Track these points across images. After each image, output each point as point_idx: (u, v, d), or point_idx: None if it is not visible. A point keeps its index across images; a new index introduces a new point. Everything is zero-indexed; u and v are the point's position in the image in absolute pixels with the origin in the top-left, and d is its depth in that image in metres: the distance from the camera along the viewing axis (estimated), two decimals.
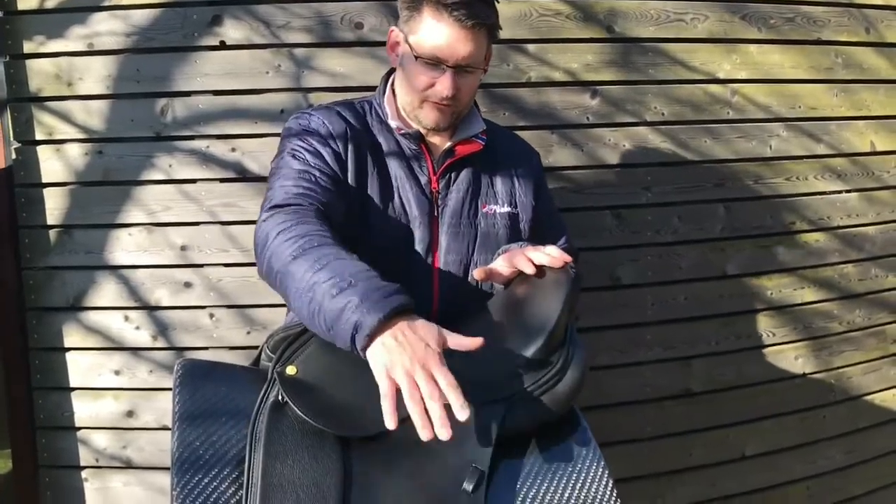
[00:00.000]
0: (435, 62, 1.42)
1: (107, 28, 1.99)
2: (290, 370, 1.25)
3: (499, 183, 1.58)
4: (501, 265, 1.44)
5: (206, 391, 1.28)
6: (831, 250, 2.37)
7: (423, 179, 1.52)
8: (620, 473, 2.17)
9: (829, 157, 2.33)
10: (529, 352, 1.27)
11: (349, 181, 1.47)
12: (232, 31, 2.00)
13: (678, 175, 2.21)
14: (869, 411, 2.48)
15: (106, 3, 1.98)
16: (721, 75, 2.19)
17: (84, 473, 2.16)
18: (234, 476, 1.17)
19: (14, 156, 2.06)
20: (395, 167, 1.51)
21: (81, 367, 2.12)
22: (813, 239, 2.34)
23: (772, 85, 2.24)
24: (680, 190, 2.21)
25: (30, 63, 2.02)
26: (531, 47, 2.08)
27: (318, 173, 1.42)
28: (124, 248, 2.06)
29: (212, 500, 1.15)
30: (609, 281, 2.19)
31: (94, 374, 2.12)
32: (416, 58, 1.43)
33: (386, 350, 1.12)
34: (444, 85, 1.43)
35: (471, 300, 1.49)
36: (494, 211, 1.56)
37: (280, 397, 1.21)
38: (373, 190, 1.49)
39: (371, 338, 1.13)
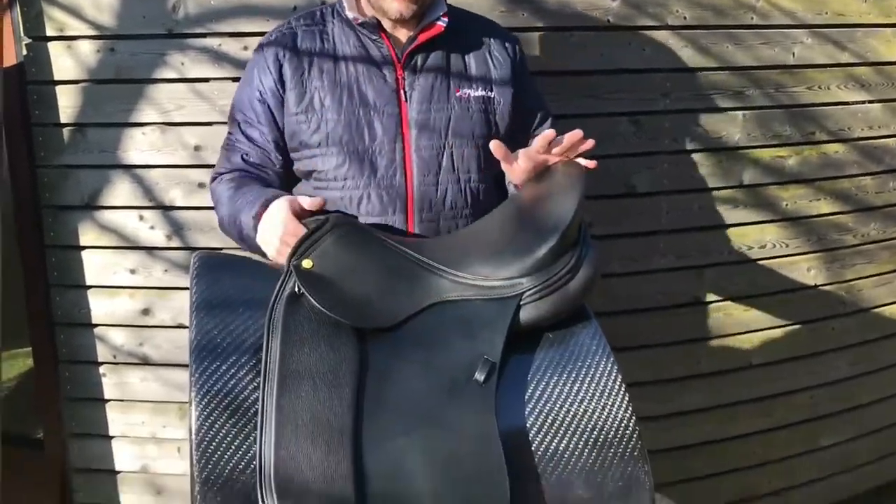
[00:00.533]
0: None
1: None
2: (306, 263, 1.27)
3: (472, 67, 1.59)
4: (522, 158, 1.45)
5: (223, 282, 1.30)
6: (850, 162, 2.34)
7: (387, 69, 1.55)
8: (628, 379, 2.18)
9: (854, 65, 2.29)
10: (543, 249, 1.29)
11: (292, 103, 1.55)
12: None
13: (698, 81, 2.17)
14: (878, 323, 2.50)
15: None
16: None
17: (102, 369, 2.21)
18: (251, 364, 1.19)
19: (25, 52, 2.03)
20: (351, 63, 1.55)
21: (97, 266, 2.15)
22: (832, 150, 2.32)
23: None
24: (699, 97, 2.17)
25: None
26: None
27: (256, 138, 1.58)
28: (138, 147, 2.06)
29: (229, 385, 1.18)
30: (624, 188, 2.18)
31: (110, 272, 2.14)
32: None
33: (259, 232, 1.40)
34: None
35: (449, 186, 1.55)
36: (468, 95, 1.57)
37: (297, 289, 1.24)
38: (324, 95, 1.53)
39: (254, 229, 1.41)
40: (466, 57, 1.60)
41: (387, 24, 1.55)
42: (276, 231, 1.37)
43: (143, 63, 2.01)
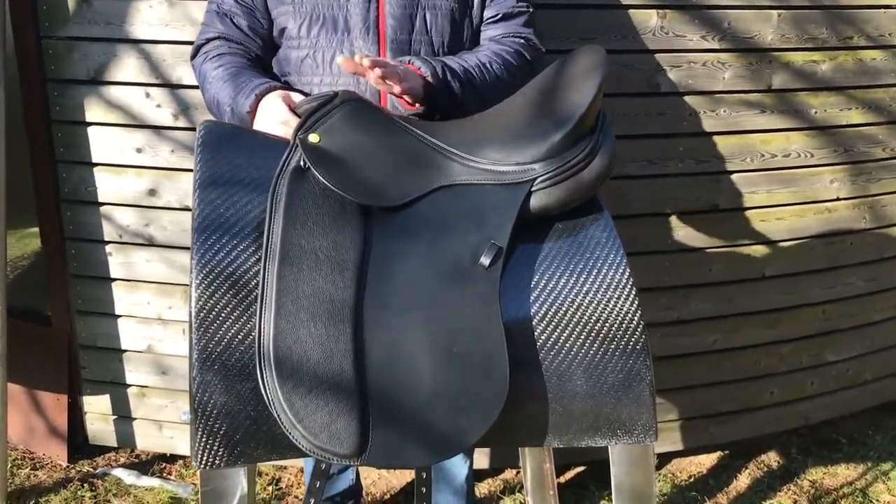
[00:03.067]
0: None
1: None
2: (313, 138, 1.26)
3: None
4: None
5: (229, 153, 1.28)
6: (887, 70, 2.27)
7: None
8: (637, 284, 2.20)
9: None
10: (558, 135, 1.26)
11: None
12: None
13: None
14: None
15: None
16: None
17: (108, 248, 2.23)
18: (253, 236, 1.19)
19: None
20: None
21: (103, 143, 2.14)
22: (869, 56, 2.24)
23: None
24: None
25: None
26: None
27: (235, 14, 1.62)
28: (145, 20, 2.01)
29: (230, 258, 1.17)
30: (646, 87, 2.12)
31: (117, 150, 2.13)
32: None
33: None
34: None
35: (423, 48, 1.58)
36: None
37: (302, 163, 1.23)
38: None
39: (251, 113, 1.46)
40: None
41: None
42: (276, 116, 1.41)
43: None
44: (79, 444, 2.48)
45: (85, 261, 2.25)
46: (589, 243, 1.28)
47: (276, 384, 1.07)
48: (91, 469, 2.42)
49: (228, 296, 1.14)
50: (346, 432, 1.07)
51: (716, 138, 2.20)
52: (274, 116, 1.41)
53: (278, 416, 1.07)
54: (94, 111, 2.10)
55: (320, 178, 1.21)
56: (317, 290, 1.12)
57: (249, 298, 1.15)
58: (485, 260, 1.18)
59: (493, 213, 1.23)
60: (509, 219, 1.22)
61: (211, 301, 1.14)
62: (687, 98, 2.15)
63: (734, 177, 2.25)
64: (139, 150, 2.12)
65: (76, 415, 2.45)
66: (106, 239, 2.22)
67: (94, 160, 2.15)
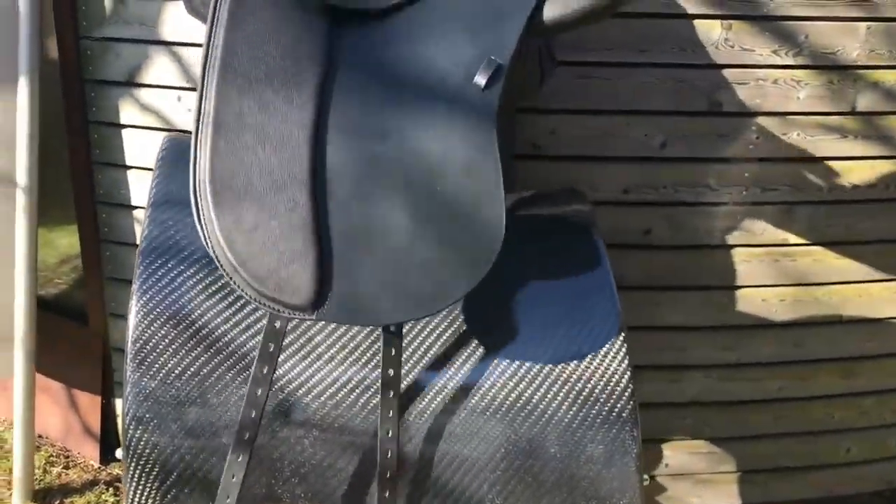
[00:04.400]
0: None
1: None
2: None
3: None
4: None
5: (186, 171, 1.19)
6: None
7: None
8: (685, 321, 2.03)
9: None
10: None
11: None
12: None
13: None
14: None
15: None
16: None
17: (139, 240, 2.20)
18: (202, 262, 1.09)
19: None
20: None
21: (137, 146, 2.12)
22: None
23: None
24: (812, 1, 1.86)
25: None
26: None
27: None
28: (177, 22, 1.98)
29: (174, 285, 1.09)
30: (707, 105, 1.93)
31: (149, 153, 2.10)
32: None
33: None
34: None
35: None
36: None
37: None
38: None
39: None
40: None
41: None
42: None
43: None
44: (111, 445, 2.49)
45: (119, 263, 2.25)
46: (578, 287, 1.12)
47: (213, 217, 0.90)
48: (120, 472, 2.42)
49: (167, 328, 1.06)
50: (299, 278, 0.88)
51: (787, 165, 1.98)
52: None
53: (216, 256, 0.89)
54: (128, 113, 2.09)
55: None
56: (265, 105, 0.93)
57: (190, 331, 1.06)
58: (480, 79, 0.97)
59: (494, 24, 1.01)
60: (514, 30, 1.00)
61: (148, 332, 1.06)
62: (754, 119, 1.94)
63: (808, 208, 2.01)
64: None
65: (109, 416, 2.46)
66: (138, 243, 2.19)
67: (128, 163, 2.14)
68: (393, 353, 1.00)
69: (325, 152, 0.93)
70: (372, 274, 0.90)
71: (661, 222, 2.00)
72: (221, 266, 0.89)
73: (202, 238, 0.91)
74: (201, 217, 0.91)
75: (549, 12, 1.02)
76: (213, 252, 0.90)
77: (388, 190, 0.93)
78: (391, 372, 0.98)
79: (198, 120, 0.95)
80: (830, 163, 1.98)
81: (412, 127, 0.96)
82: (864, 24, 1.89)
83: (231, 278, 0.89)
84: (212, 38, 0.96)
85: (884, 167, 2.00)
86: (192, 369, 1.03)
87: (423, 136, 0.95)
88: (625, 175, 1.97)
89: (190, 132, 1.98)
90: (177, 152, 1.20)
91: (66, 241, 2.81)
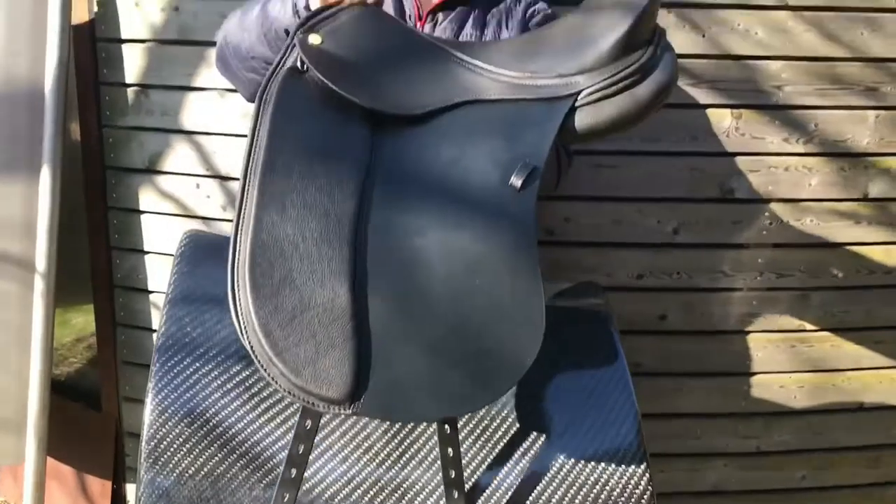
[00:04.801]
0: None
1: None
2: (314, 39, 1.09)
3: (485, 27, 1.51)
4: None
5: (209, 267, 1.20)
6: None
7: (409, 23, 1.49)
8: (702, 408, 2.00)
9: None
10: (607, 41, 1.08)
11: None
12: None
13: (821, 73, 1.89)
14: None
15: None
16: None
17: (155, 336, 2.20)
18: (219, 359, 1.10)
19: (96, 9, 2.04)
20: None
21: (155, 231, 2.15)
22: None
23: None
24: (822, 92, 1.89)
25: None
26: None
27: None
28: (197, 112, 2.03)
29: (190, 382, 1.10)
30: (719, 192, 1.94)
31: (166, 239, 2.14)
32: None
33: None
34: None
35: None
36: None
37: (299, 63, 1.07)
38: None
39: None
40: (483, 16, 1.53)
41: None
42: None
43: (205, 25, 1.96)
44: None
45: (134, 347, 2.25)
46: (595, 385, 1.11)
47: (250, 306, 0.88)
48: None
49: (182, 426, 1.06)
50: (336, 370, 0.86)
51: (801, 251, 1.98)
52: None
53: (251, 347, 0.88)
54: (147, 199, 2.12)
55: (320, 77, 1.03)
56: (308, 202, 0.94)
57: (205, 430, 1.06)
58: (516, 180, 1.00)
59: (529, 130, 1.05)
60: (547, 136, 1.04)
61: (163, 431, 1.06)
62: (767, 205, 1.95)
63: (823, 294, 2.01)
64: None
65: (119, 502, 2.43)
66: (154, 327, 2.21)
67: (146, 248, 2.16)
68: (451, 453, 0.98)
69: (366, 246, 0.94)
70: (411, 367, 0.89)
71: (676, 308, 2.00)
72: (256, 357, 0.88)
73: (238, 328, 0.89)
74: (238, 308, 0.90)
75: (581, 121, 1.07)
76: (249, 342, 0.89)
77: (427, 284, 0.93)
78: (452, 473, 0.96)
79: (239, 212, 0.95)
80: (845, 248, 1.99)
81: (451, 225, 0.97)
82: (872, 113, 1.92)
83: (266, 370, 0.87)
84: (255, 139, 0.98)
85: None
86: (206, 469, 1.03)
87: (462, 233, 0.97)
88: (639, 261, 1.98)
89: (207, 224, 2.03)
90: (196, 248, 1.22)
91: (82, 319, 2.84)
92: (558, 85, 1.07)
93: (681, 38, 1.85)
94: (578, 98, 1.06)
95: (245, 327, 0.89)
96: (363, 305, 0.90)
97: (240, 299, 0.90)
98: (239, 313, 0.90)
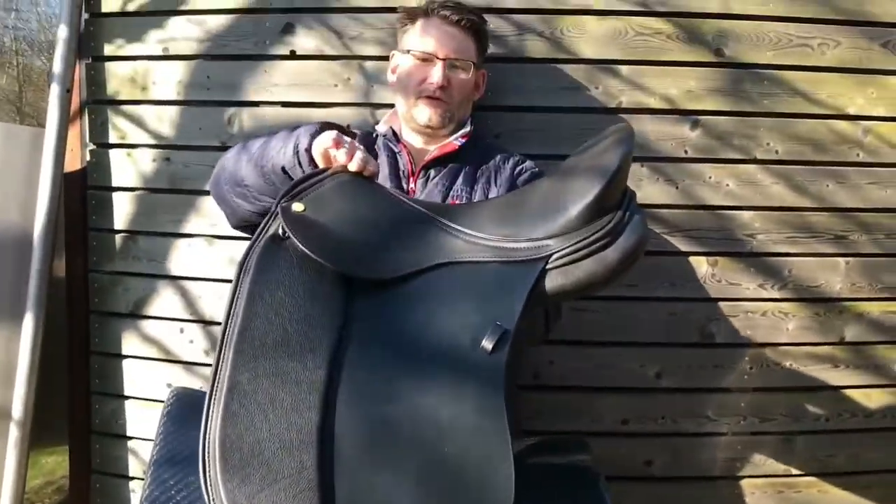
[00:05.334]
0: (427, 57, 1.64)
1: (182, 33, 2.00)
2: (297, 206, 1.15)
3: (475, 183, 1.63)
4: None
5: (195, 427, 1.20)
6: None
7: (405, 181, 1.63)
8: None
9: None
10: (577, 207, 1.11)
11: None
12: (303, 40, 1.96)
13: (792, 222, 1.96)
14: None
15: (183, 8, 2.00)
16: (852, 110, 1.94)
17: (132, 484, 2.17)
18: None
19: (89, 158, 2.10)
20: (386, 173, 1.62)
21: (136, 376, 2.14)
22: None
23: None
24: (793, 240, 1.96)
25: (109, 66, 2.06)
26: (624, 69, 1.91)
27: None
28: (184, 258, 2.06)
29: None
30: (700, 337, 1.98)
31: (148, 384, 2.13)
32: (409, 52, 1.65)
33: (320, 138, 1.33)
34: (436, 74, 1.63)
35: None
36: None
37: (280, 231, 1.12)
38: None
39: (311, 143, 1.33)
40: (473, 175, 1.65)
41: (412, 137, 1.71)
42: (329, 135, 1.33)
43: (195, 174, 2.03)
44: None
45: (109, 496, 2.19)
46: None
47: (219, 478, 0.90)
48: None
49: None
50: None
51: (783, 394, 2.00)
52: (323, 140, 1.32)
53: None
54: (130, 344, 2.13)
55: (298, 244, 1.08)
56: (280, 369, 0.97)
57: None
58: (487, 343, 1.02)
59: (500, 293, 1.08)
60: (519, 299, 1.07)
61: None
62: (747, 350, 1.98)
63: (808, 438, 2.01)
64: (169, 385, 2.10)
65: None
66: (131, 475, 2.16)
67: (126, 393, 2.15)
68: None
69: (335, 415, 0.96)
70: None
71: (661, 453, 2.00)
72: None
73: (207, 500, 0.91)
74: (208, 480, 0.92)
75: (551, 283, 1.10)
76: None
77: (395, 452, 0.95)
78: None
79: (213, 384, 0.98)
80: (826, 392, 2.01)
81: (421, 390, 0.99)
82: (842, 260, 1.98)
83: None
84: (233, 307, 1.03)
85: (880, 397, 2.02)
86: None
87: (432, 399, 0.99)
88: (623, 406, 1.99)
89: (189, 369, 2.03)
90: (182, 406, 1.22)
91: (52, 460, 2.77)
92: (530, 248, 1.12)
93: (655, 190, 1.94)
94: (549, 261, 1.10)
95: (213, 500, 0.91)
96: (330, 475, 0.92)
97: (209, 472, 0.92)
98: (208, 484, 0.92)
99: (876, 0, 1.93)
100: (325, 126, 1.40)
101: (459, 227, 1.18)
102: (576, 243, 1.10)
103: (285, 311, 1.03)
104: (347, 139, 1.33)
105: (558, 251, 1.11)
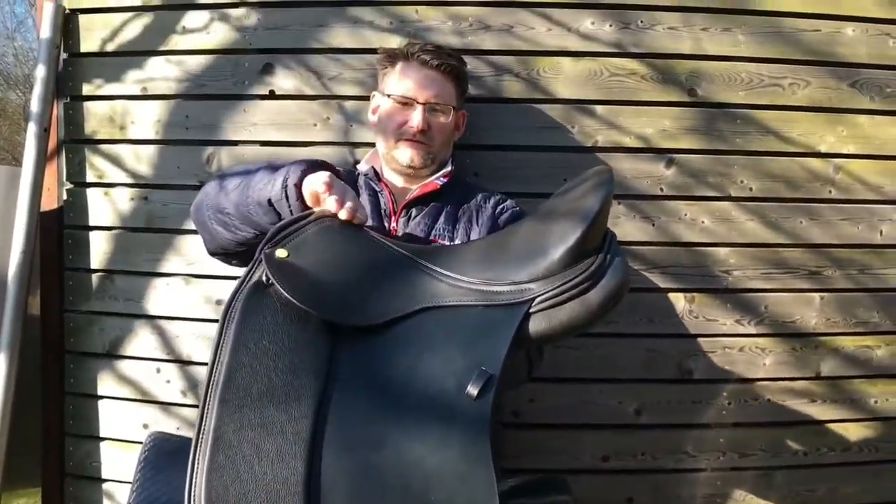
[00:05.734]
0: (407, 101, 1.66)
1: (161, 73, 2.02)
2: (281, 253, 1.16)
3: (456, 222, 1.65)
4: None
5: (171, 473, 1.19)
6: None
7: (387, 220, 1.65)
8: None
9: None
10: (559, 250, 1.13)
11: None
12: (282, 80, 1.98)
13: (767, 258, 2.00)
14: None
15: (162, 48, 2.01)
16: (823, 148, 1.98)
17: None
18: None
19: (66, 197, 2.10)
20: (369, 212, 1.61)
21: (112, 417, 2.12)
22: None
23: (885, 162, 2.01)
24: (768, 276, 2.00)
25: (87, 105, 2.07)
26: (599, 109, 1.95)
27: None
28: (161, 297, 2.05)
29: None
30: (678, 373, 2.00)
31: (124, 425, 2.10)
32: (390, 97, 1.67)
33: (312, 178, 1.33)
34: (416, 118, 1.65)
35: None
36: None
37: (264, 278, 1.12)
38: None
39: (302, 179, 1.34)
40: (454, 214, 1.67)
41: (393, 177, 1.72)
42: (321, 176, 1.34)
43: (173, 213, 2.03)
44: None
45: None
46: None
47: None
48: None
49: None
50: None
51: (762, 429, 2.02)
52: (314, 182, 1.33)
53: None
54: (106, 385, 2.11)
55: (282, 291, 1.08)
56: (266, 419, 0.98)
57: None
58: (472, 389, 1.02)
59: (484, 337, 1.09)
60: (503, 343, 1.07)
61: None
62: (725, 386, 2.00)
63: (787, 472, 2.03)
64: (145, 426, 2.08)
65: None
66: None
67: (102, 434, 2.12)
68: None
69: (322, 464, 0.97)
70: None
71: (642, 489, 2.00)
72: None
73: None
74: None
75: (535, 327, 1.12)
76: None
77: (382, 501, 0.96)
78: None
79: (198, 434, 0.98)
80: (804, 427, 2.03)
81: (407, 437, 1.00)
82: (817, 295, 2.01)
83: None
84: (218, 356, 1.03)
85: (857, 430, 2.04)
86: None
87: (418, 446, 0.99)
88: (603, 442, 1.99)
89: (166, 410, 2.01)
90: (159, 453, 1.21)
91: (23, 502, 2.72)
92: (513, 292, 1.13)
93: (632, 227, 1.97)
94: (532, 305, 1.11)
95: None
96: None
97: None
98: None
99: (844, 41, 1.99)
100: (316, 164, 1.41)
101: (443, 271, 1.19)
102: (559, 286, 1.12)
103: (270, 360, 1.03)
104: (339, 183, 1.34)
105: (541, 294, 1.12)
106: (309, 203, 1.33)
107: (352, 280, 1.16)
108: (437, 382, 1.05)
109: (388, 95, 1.69)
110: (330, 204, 1.28)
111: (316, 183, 1.32)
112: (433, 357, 1.07)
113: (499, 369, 1.05)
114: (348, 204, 1.29)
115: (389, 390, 1.04)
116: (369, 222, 1.60)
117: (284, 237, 1.19)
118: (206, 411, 0.99)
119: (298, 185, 1.35)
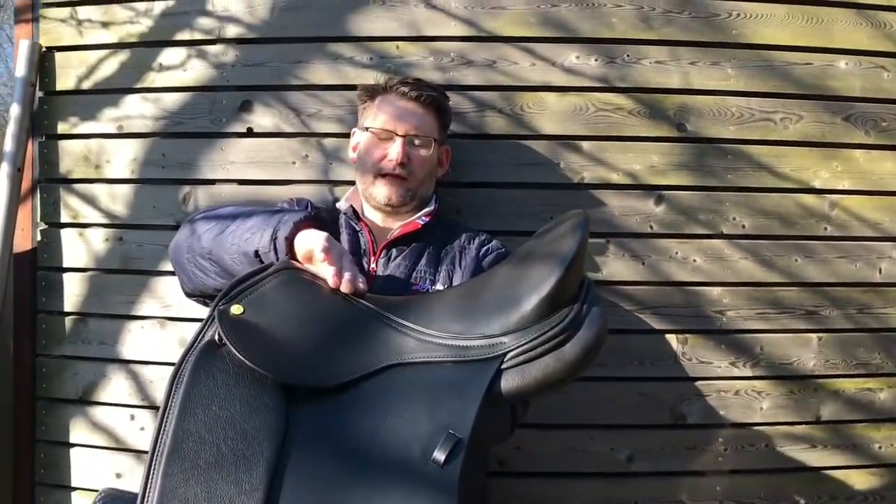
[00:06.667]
0: (386, 134, 1.64)
1: (137, 111, 2.00)
2: (235, 309, 1.09)
3: (439, 264, 1.60)
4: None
5: None
6: None
7: (366, 259, 1.59)
8: None
9: None
10: (532, 301, 1.07)
11: None
12: (260, 117, 1.95)
13: (761, 298, 1.95)
14: None
15: (138, 86, 1.99)
16: (817, 184, 1.94)
17: None
18: None
19: (39, 238, 2.06)
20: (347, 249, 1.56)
21: (84, 466, 2.06)
22: None
23: (883, 197, 1.97)
24: (763, 316, 1.94)
25: (62, 144, 2.05)
26: (586, 145, 1.91)
27: None
28: (136, 341, 2.01)
29: None
30: (671, 418, 1.93)
31: (96, 474, 2.05)
32: (368, 130, 1.65)
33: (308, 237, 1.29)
34: (395, 150, 1.62)
35: None
36: (427, 290, 1.54)
37: (217, 337, 1.05)
38: None
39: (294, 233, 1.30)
40: (436, 255, 1.62)
41: (373, 214, 1.69)
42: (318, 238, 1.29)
43: (149, 254, 1.99)
44: None
45: None
46: None
47: None
48: None
49: None
50: None
51: (760, 476, 1.95)
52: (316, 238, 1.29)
53: None
54: (78, 432, 2.05)
55: (235, 353, 1.01)
56: (214, 493, 0.91)
57: None
58: (439, 455, 0.96)
59: (453, 396, 1.02)
60: (472, 403, 1.01)
61: None
62: (720, 431, 1.94)
63: None
64: (118, 475, 2.02)
65: None
66: None
67: (73, 484, 2.06)
68: None
69: None
70: None
71: None
72: None
73: None
74: None
75: (506, 384, 1.06)
76: None
77: None
78: None
79: (142, 498, 0.92)
80: (804, 474, 1.96)
81: None
82: (815, 336, 1.96)
83: None
84: (163, 425, 0.97)
85: (860, 478, 1.97)
86: None
87: None
88: (593, 491, 1.93)
89: (139, 458, 1.95)
90: None
91: None
92: (484, 346, 1.07)
93: (621, 266, 1.92)
94: (504, 360, 1.06)
95: None
96: None
97: None
98: None
99: (837, 74, 1.96)
100: (308, 218, 1.37)
101: (411, 325, 1.13)
102: (532, 340, 1.06)
103: (220, 428, 0.97)
104: (337, 246, 1.30)
105: (514, 349, 1.07)
106: (301, 261, 1.28)
107: (312, 338, 1.10)
108: (402, 448, 0.98)
109: (367, 129, 1.66)
110: (327, 273, 1.23)
111: (314, 244, 1.27)
112: (398, 419, 1.01)
113: (468, 433, 0.99)
114: (347, 275, 1.24)
115: (350, 456, 0.98)
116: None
117: (240, 292, 1.13)
118: (149, 485, 0.93)
119: (290, 239, 1.30)
